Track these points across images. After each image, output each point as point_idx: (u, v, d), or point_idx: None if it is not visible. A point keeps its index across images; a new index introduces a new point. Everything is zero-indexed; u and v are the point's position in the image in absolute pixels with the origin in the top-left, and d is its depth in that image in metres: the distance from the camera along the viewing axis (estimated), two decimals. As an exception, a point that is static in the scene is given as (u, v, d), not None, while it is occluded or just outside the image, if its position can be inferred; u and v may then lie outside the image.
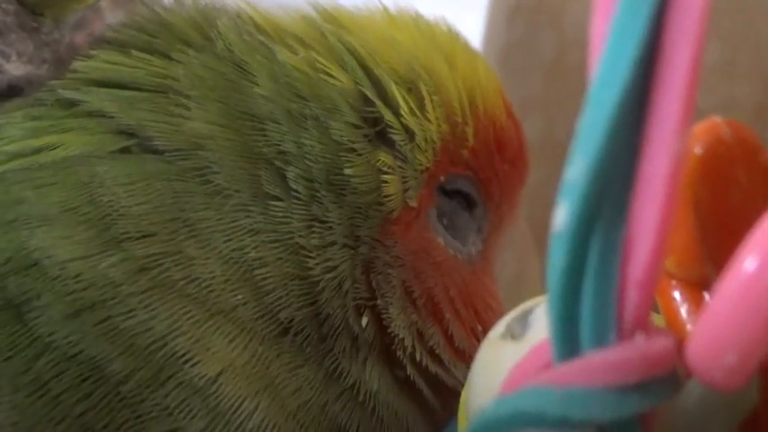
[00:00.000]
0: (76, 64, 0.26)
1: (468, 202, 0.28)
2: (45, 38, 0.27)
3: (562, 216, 0.16)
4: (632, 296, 0.16)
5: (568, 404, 0.16)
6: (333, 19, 0.28)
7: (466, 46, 0.30)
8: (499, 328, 0.20)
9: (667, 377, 0.16)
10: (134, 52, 0.25)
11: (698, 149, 0.18)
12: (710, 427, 0.17)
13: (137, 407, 0.21)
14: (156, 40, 0.26)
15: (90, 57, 0.26)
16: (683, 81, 0.15)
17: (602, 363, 0.16)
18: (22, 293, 0.22)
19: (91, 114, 0.25)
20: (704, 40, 0.15)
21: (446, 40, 0.29)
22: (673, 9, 0.15)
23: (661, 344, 0.16)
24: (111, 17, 0.28)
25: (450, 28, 0.30)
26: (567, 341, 0.16)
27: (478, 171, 0.28)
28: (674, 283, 0.20)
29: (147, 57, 0.25)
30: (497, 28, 0.44)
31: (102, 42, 0.27)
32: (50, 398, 0.21)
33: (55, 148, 0.24)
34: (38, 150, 0.24)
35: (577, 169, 0.15)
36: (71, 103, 0.25)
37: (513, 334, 0.20)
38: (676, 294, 0.20)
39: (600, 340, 0.16)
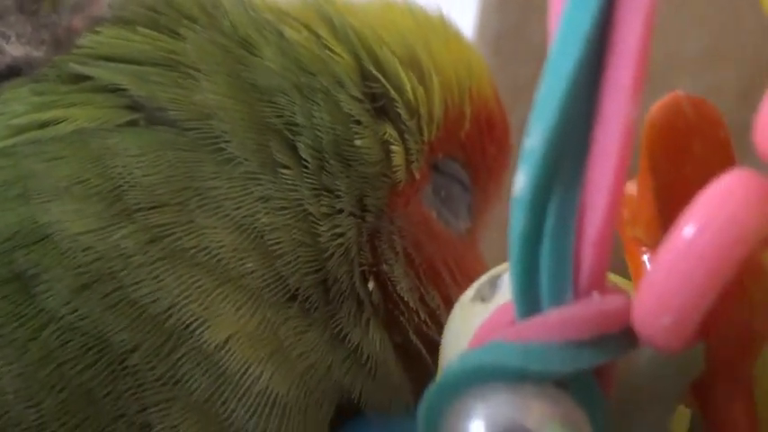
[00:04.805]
0: (81, 40, 0.26)
1: (460, 183, 0.29)
2: (44, 20, 0.28)
3: (521, 182, 0.17)
4: (588, 256, 0.17)
5: (527, 358, 0.17)
6: (330, 3, 0.28)
7: (457, 31, 0.31)
8: (470, 291, 0.21)
9: (621, 334, 0.17)
10: (140, 29, 0.26)
11: (658, 121, 0.19)
12: (661, 386, 0.18)
13: (141, 375, 0.22)
14: (161, 17, 0.26)
15: (95, 33, 0.26)
16: (635, 52, 0.16)
17: (560, 319, 0.17)
18: (30, 267, 0.22)
19: (99, 88, 0.25)
20: (655, 12, 0.16)
21: (439, 26, 0.30)
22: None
23: (615, 302, 0.17)
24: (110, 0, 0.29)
25: (441, 14, 0.31)
26: (528, 300, 0.17)
27: (470, 154, 0.29)
28: (643, 248, 0.21)
29: (154, 33, 0.26)
30: (489, 16, 0.45)
31: (104, 21, 0.27)
32: (54, 367, 0.21)
33: (61, 122, 0.24)
34: (44, 124, 0.24)
35: (535, 137, 0.16)
36: (78, 78, 0.25)
37: (483, 297, 0.21)
38: (645, 259, 0.21)
39: (558, 298, 0.17)
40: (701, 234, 0.15)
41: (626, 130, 0.16)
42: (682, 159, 0.19)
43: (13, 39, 0.27)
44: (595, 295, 0.17)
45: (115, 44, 0.26)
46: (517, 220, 0.17)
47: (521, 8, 0.42)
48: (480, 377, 0.17)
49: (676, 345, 0.16)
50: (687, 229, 0.15)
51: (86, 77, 0.25)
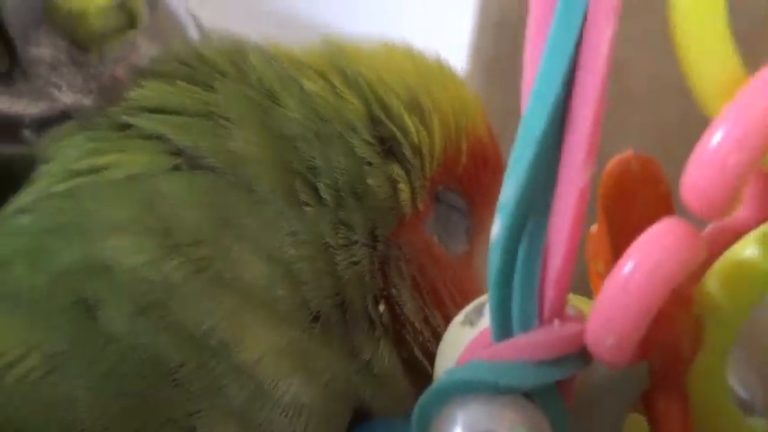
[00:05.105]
0: (129, 93, 0.30)
1: (458, 211, 0.33)
2: (92, 71, 0.32)
3: (496, 229, 0.20)
4: (550, 292, 0.21)
5: (500, 374, 0.21)
6: (342, 51, 0.32)
7: (453, 73, 0.34)
8: (460, 316, 0.25)
9: (578, 353, 0.21)
10: (179, 83, 0.29)
11: (611, 176, 0.23)
12: (613, 396, 0.22)
13: (188, 386, 0.25)
14: (197, 72, 0.30)
15: (141, 87, 0.30)
16: (587, 130, 0.20)
17: (527, 342, 0.21)
18: (95, 295, 0.25)
19: (146, 137, 0.28)
20: (604, 102, 0.20)
21: (437, 69, 0.33)
22: (579, 77, 0.20)
23: (572, 328, 0.21)
24: (147, 50, 0.33)
25: (438, 58, 0.34)
26: (502, 326, 0.21)
27: (467, 185, 0.33)
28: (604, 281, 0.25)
29: (191, 86, 0.29)
30: (483, 43, 0.49)
31: (147, 73, 0.30)
32: (116, 379, 0.25)
33: (115, 167, 0.27)
34: (99, 169, 0.28)
35: (507, 193, 0.20)
36: (126, 127, 0.29)
37: (471, 321, 0.24)
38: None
39: (526, 325, 0.21)
40: (635, 273, 0.19)
41: (581, 192, 0.20)
42: (629, 208, 0.23)
43: (64, 88, 0.32)
44: (556, 322, 0.21)
45: (157, 97, 0.29)
46: (494, 260, 0.21)
47: (512, 37, 0.45)
48: (462, 389, 0.21)
49: (620, 361, 0.20)
50: (625, 268, 0.19)
51: (134, 127, 0.29)
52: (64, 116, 0.31)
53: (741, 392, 0.26)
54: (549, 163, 0.20)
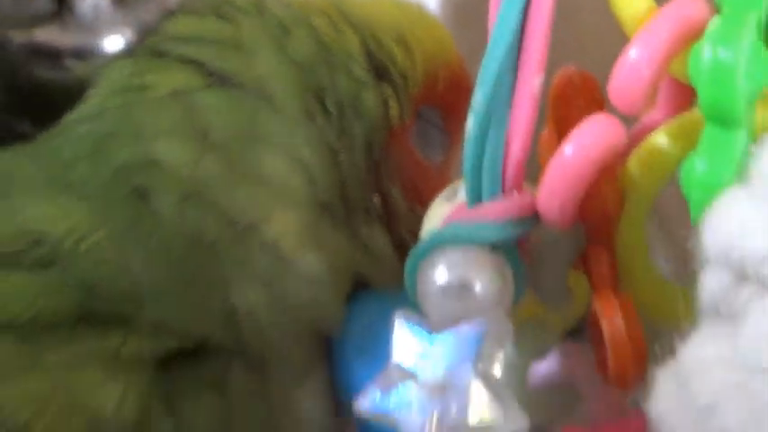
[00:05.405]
0: (165, 25, 0.35)
1: (436, 127, 0.39)
2: (131, 11, 0.38)
3: (470, 125, 0.27)
4: (510, 171, 0.27)
5: (472, 231, 0.27)
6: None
7: (431, 16, 0.40)
8: (443, 194, 0.31)
9: (531, 216, 0.27)
10: (208, 17, 0.35)
11: (557, 85, 0.30)
12: (557, 251, 0.29)
13: (224, 257, 0.31)
14: (223, 11, 0.35)
15: (174, 21, 0.35)
16: (538, 46, 0.26)
17: (493, 207, 0.27)
18: (146, 185, 0.31)
19: (182, 61, 0.34)
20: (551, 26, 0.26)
21: (418, 14, 0.39)
22: (531, 13, 0.26)
23: (528, 197, 0.27)
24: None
25: (419, 5, 0.40)
26: (474, 196, 0.27)
27: (443, 105, 0.39)
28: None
29: (219, 21, 0.35)
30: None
31: (180, 12, 0.36)
32: (165, 252, 0.31)
33: (159, 86, 0.33)
34: (145, 87, 0.33)
35: (478, 98, 0.27)
36: (165, 54, 0.34)
37: (448, 198, 0.30)
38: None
39: (492, 195, 0.27)
40: (572, 153, 0.26)
41: (533, 94, 0.27)
42: (571, 110, 0.29)
43: (109, 26, 0.37)
44: (515, 193, 0.27)
45: (191, 29, 0.35)
46: (468, 149, 0.27)
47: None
48: (443, 243, 0.28)
49: (564, 221, 0.27)
50: (565, 149, 0.26)
51: (172, 53, 0.34)
52: (103, 47, 0.37)
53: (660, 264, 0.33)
54: (509, 75, 0.27)
